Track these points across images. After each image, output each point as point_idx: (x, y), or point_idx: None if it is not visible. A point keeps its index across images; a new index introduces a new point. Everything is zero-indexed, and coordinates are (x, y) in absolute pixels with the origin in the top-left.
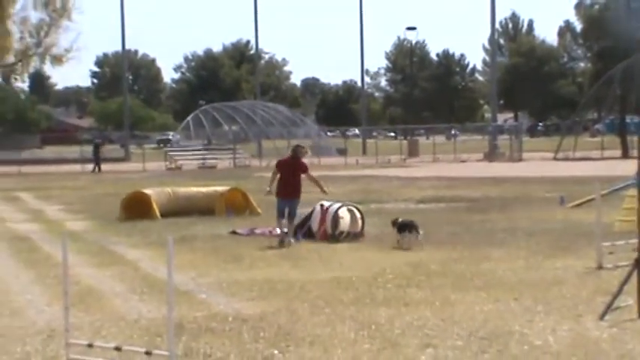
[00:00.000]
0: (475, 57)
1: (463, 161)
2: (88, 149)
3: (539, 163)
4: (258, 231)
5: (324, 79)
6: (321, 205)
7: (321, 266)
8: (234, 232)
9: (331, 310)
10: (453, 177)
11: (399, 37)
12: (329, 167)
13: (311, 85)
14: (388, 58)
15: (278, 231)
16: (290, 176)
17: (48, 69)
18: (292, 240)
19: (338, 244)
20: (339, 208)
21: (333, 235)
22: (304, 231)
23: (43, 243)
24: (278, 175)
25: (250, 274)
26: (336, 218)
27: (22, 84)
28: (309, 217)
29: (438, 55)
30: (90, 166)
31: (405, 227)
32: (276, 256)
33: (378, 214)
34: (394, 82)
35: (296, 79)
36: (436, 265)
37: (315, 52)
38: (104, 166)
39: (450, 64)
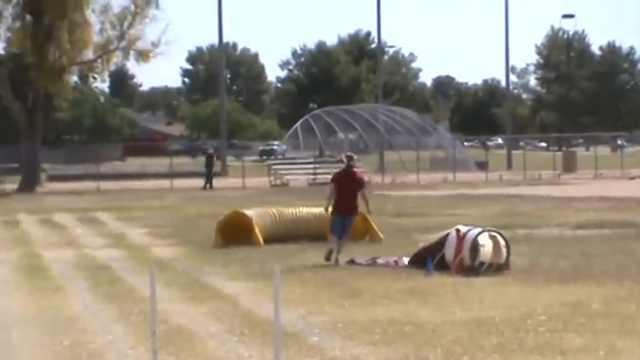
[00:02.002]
0: None
1: (632, 178)
2: (179, 161)
3: None
4: (380, 261)
5: (460, 78)
6: (457, 231)
7: (457, 304)
8: (351, 262)
9: (470, 359)
10: (619, 197)
11: (552, 27)
12: (466, 184)
13: (444, 85)
14: (539, 52)
15: (405, 260)
16: (346, 191)
17: (132, 66)
18: (340, 260)
19: (477, 278)
20: (479, 234)
21: (471, 266)
22: (436, 261)
23: (125, 273)
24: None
25: (371, 313)
26: (475, 246)
27: (102, 84)
28: (442, 244)
29: (600, 48)
30: (200, 182)
31: None
32: (403, 291)
33: (526, 242)
34: (546, 82)
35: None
36: (599, 305)
37: (449, 46)
38: (194, 182)
39: (615, 59)
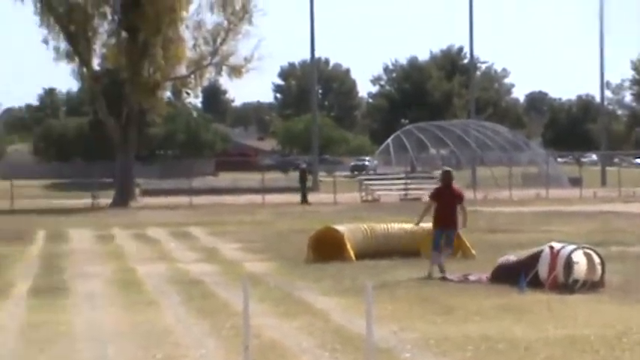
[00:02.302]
0: None
1: None
2: (271, 176)
3: None
4: (472, 277)
5: (553, 94)
6: (551, 248)
7: (551, 322)
8: (443, 278)
9: None
10: None
11: None
12: (560, 201)
13: (537, 100)
14: (635, 67)
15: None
16: (447, 205)
17: (224, 82)
18: (435, 273)
19: (572, 295)
20: (573, 251)
21: (565, 283)
22: (530, 278)
23: (218, 288)
24: (433, 206)
25: (464, 330)
26: (569, 263)
27: (195, 99)
28: (535, 261)
29: None
30: (291, 197)
31: None
32: (496, 307)
33: (621, 260)
34: None
35: (519, 94)
36: None
37: (542, 61)
38: (286, 197)
39: None
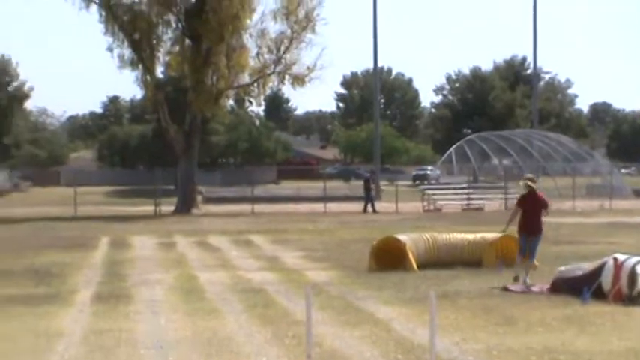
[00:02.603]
0: None
1: None
2: (333, 185)
3: None
4: (535, 288)
5: (617, 105)
6: (615, 259)
7: (615, 334)
8: (506, 289)
9: None
10: None
11: None
12: (624, 212)
13: (601, 111)
14: None
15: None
16: (532, 212)
17: (287, 90)
18: (527, 280)
19: (635, 307)
20: (637, 263)
21: (629, 295)
22: (593, 289)
23: (279, 296)
24: (519, 213)
25: (526, 341)
26: (633, 275)
27: (258, 108)
28: (599, 272)
29: None
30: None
31: None
32: (558, 319)
33: None
34: None
35: (583, 105)
36: None
37: (606, 72)
38: (347, 206)
39: None
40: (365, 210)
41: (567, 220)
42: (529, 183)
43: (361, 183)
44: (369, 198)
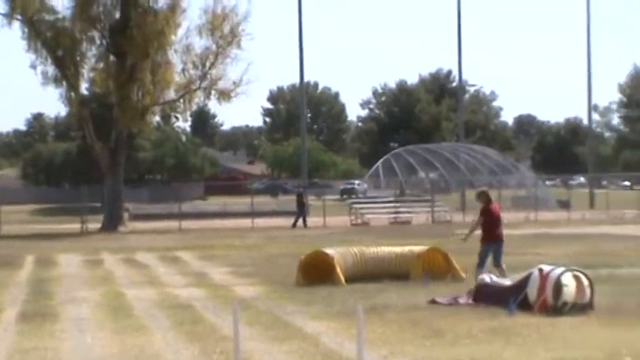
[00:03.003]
0: None
1: None
2: (261, 200)
3: None
4: (462, 300)
5: (541, 117)
6: (540, 270)
7: (541, 344)
8: (433, 302)
9: None
10: None
11: (635, 66)
12: (548, 223)
13: (526, 123)
14: (622, 90)
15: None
16: (498, 220)
17: (213, 106)
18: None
19: (561, 318)
20: (562, 273)
21: (554, 306)
22: (519, 300)
23: (207, 312)
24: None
25: (453, 353)
26: (558, 286)
27: (184, 123)
28: (525, 283)
29: None
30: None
31: None
32: (485, 331)
33: (609, 282)
34: (629, 120)
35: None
36: None
37: (530, 85)
38: (275, 221)
39: None
40: (295, 224)
41: None
42: (487, 193)
43: (289, 197)
44: (301, 212)
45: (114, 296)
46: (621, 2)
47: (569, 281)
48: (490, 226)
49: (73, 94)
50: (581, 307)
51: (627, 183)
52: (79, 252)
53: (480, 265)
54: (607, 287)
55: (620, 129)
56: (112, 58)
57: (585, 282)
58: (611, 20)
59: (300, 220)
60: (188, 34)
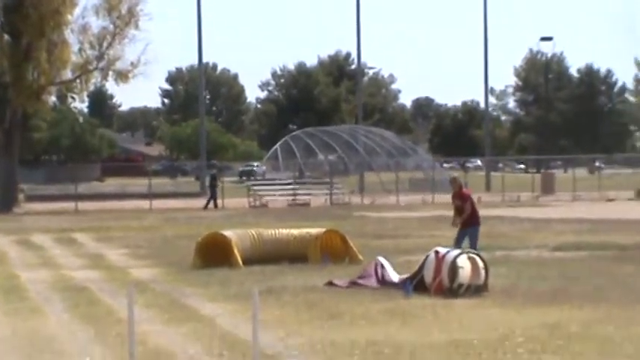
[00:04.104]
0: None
1: (610, 200)
2: (159, 181)
3: None
4: (360, 282)
5: (439, 100)
6: (436, 252)
7: (436, 326)
8: (330, 284)
9: None
10: (598, 219)
11: (531, 50)
12: (445, 205)
13: (424, 106)
14: (518, 74)
15: (394, 278)
16: (473, 204)
17: (111, 87)
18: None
19: (456, 300)
20: (458, 255)
21: (450, 288)
22: (415, 283)
23: (103, 294)
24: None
25: (350, 335)
26: (454, 268)
27: (81, 104)
28: (421, 266)
29: (579, 70)
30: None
31: None
32: (382, 312)
33: (505, 264)
34: (525, 104)
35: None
36: (577, 327)
37: (428, 68)
38: (173, 202)
39: (593, 81)
40: (206, 206)
41: (391, 215)
42: (458, 179)
43: (187, 179)
44: (213, 194)
45: (7, 278)
46: None
47: (464, 263)
48: (466, 210)
49: None
50: (476, 289)
51: (522, 166)
52: None
53: (457, 246)
54: (502, 269)
55: (516, 112)
56: (6, 37)
57: (480, 264)
58: (508, 3)
59: (212, 202)
60: (85, 13)
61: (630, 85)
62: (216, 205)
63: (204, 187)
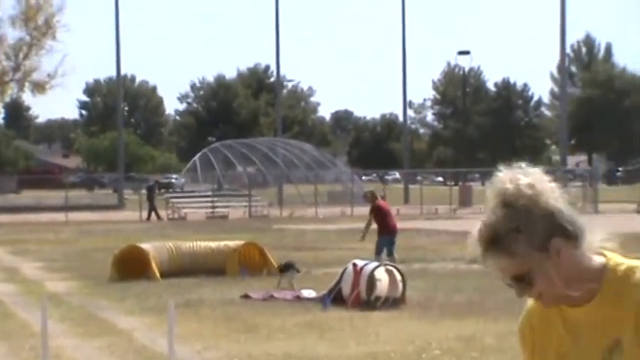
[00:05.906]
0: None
1: None
2: (76, 194)
3: (618, 216)
4: (277, 295)
5: (358, 113)
6: (354, 265)
7: (354, 339)
8: (247, 297)
9: None
10: None
11: (448, 63)
12: (364, 218)
13: (343, 119)
14: (436, 88)
15: (305, 293)
16: (391, 215)
17: (27, 98)
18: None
19: (374, 312)
20: (376, 268)
21: (367, 300)
22: (333, 295)
23: (17, 308)
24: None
25: (267, 348)
26: (371, 281)
27: None
28: (339, 279)
29: (496, 84)
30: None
31: (287, 267)
32: (299, 325)
33: (422, 276)
34: (443, 117)
35: (325, 113)
36: (492, 339)
37: (347, 81)
38: (90, 215)
39: (510, 95)
40: (149, 217)
41: (310, 227)
42: (373, 192)
43: (105, 192)
44: (152, 205)
45: None
46: (435, 1)
47: (382, 276)
48: (382, 220)
49: None
50: (393, 302)
51: (440, 179)
52: None
53: (377, 254)
54: (419, 282)
55: (434, 125)
56: None
57: (398, 277)
58: (426, 18)
59: (153, 213)
60: (1, 24)
61: (546, 99)
62: (149, 217)
63: (122, 199)
